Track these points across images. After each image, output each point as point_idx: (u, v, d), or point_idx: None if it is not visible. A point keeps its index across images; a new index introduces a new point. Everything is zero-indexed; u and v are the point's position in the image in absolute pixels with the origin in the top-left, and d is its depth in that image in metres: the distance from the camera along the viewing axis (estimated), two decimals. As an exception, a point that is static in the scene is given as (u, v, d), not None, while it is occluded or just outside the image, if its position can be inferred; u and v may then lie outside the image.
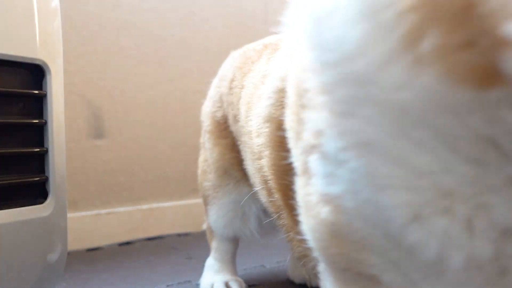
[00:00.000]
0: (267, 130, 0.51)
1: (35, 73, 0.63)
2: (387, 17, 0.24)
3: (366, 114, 0.28)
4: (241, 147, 0.77)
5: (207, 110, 0.92)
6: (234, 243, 0.94)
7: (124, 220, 1.41)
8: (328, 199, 0.35)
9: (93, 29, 1.39)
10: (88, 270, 1.09)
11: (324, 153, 0.34)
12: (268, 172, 0.52)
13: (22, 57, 0.60)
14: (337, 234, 0.36)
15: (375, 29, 0.25)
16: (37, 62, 0.62)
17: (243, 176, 0.81)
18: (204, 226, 1.00)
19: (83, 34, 1.37)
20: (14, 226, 0.58)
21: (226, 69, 0.89)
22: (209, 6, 1.62)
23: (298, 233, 0.48)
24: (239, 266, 1.08)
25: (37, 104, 0.63)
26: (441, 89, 0.24)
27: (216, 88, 0.91)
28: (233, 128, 0.81)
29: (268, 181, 0.55)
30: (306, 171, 0.38)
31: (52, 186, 0.64)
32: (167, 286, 0.95)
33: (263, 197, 0.65)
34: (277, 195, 0.53)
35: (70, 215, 1.32)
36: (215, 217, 0.90)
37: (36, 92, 0.63)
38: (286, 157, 0.44)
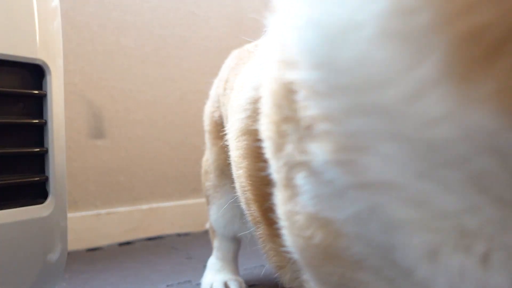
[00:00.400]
0: (244, 142, 0.49)
1: (35, 73, 0.63)
2: (429, 36, 0.20)
3: (386, 151, 0.24)
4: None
5: (207, 110, 0.93)
6: (235, 242, 0.94)
7: (124, 220, 1.41)
8: (323, 223, 0.31)
9: (93, 29, 1.39)
10: (88, 270, 1.09)
11: (316, 173, 0.30)
12: (245, 183, 0.51)
13: (22, 57, 0.60)
14: (331, 255, 0.33)
15: (411, 50, 0.21)
16: (37, 62, 0.62)
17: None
18: (207, 226, 1.01)
19: (83, 34, 1.37)
20: (14, 226, 0.58)
21: (223, 69, 0.90)
22: (209, 6, 1.62)
23: (277, 245, 0.46)
24: (239, 266, 1.08)
25: (37, 104, 0.63)
26: (494, 129, 0.21)
27: (215, 89, 0.92)
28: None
29: (245, 192, 0.53)
30: (289, 186, 0.34)
31: (52, 186, 0.64)
32: (167, 286, 0.95)
33: (243, 205, 0.64)
34: (253, 207, 0.51)
35: (70, 215, 1.32)
36: (215, 217, 0.92)
37: (36, 92, 0.63)
38: (263, 168, 0.41)
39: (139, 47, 1.47)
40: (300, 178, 0.32)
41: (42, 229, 0.62)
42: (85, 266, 1.13)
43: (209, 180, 0.92)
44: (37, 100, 0.63)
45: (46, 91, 0.63)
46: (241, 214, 0.85)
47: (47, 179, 0.64)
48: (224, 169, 0.85)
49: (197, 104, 1.59)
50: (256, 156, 0.46)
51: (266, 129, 0.36)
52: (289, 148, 0.32)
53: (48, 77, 0.63)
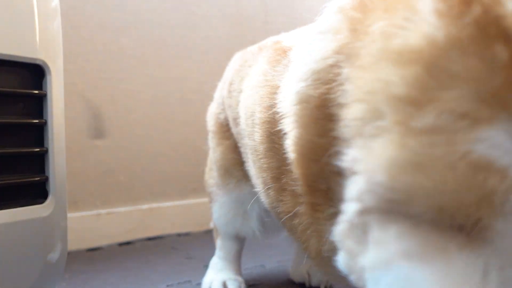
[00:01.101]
0: (303, 111, 0.48)
1: (35, 73, 0.63)
2: None
3: None
4: (242, 149, 0.77)
5: (212, 111, 0.95)
6: (238, 241, 0.94)
7: (124, 220, 1.41)
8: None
9: (93, 29, 1.39)
10: (88, 270, 1.09)
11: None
12: (292, 153, 0.50)
13: (22, 57, 0.60)
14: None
15: None
16: (37, 62, 0.62)
17: (244, 176, 0.82)
18: (211, 225, 1.02)
19: (83, 34, 1.37)
20: (14, 226, 0.58)
21: (227, 71, 0.90)
22: (209, 6, 1.62)
23: (322, 230, 0.48)
24: (239, 266, 1.08)
25: (37, 104, 0.63)
26: None
27: (219, 90, 0.92)
28: (233, 130, 0.81)
29: (285, 169, 0.53)
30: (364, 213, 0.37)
31: (52, 186, 0.64)
32: (167, 286, 0.95)
33: (267, 198, 0.64)
34: (300, 181, 0.50)
35: (70, 215, 1.32)
36: (217, 215, 0.92)
37: (36, 92, 0.63)
38: (323, 137, 0.43)
39: (139, 47, 1.47)
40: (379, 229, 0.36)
41: (42, 229, 0.62)
42: (85, 266, 1.13)
43: (212, 177, 0.94)
44: (37, 100, 0.63)
45: (46, 91, 0.63)
46: (244, 213, 0.87)
47: (47, 179, 0.64)
48: (228, 168, 0.87)
49: (197, 104, 1.59)
50: (314, 125, 0.46)
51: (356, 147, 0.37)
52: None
53: (48, 77, 0.63)
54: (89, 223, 1.34)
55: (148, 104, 1.48)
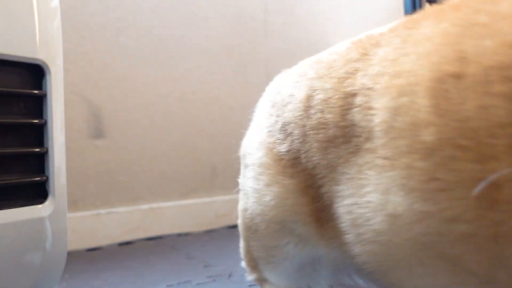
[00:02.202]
0: None
1: (35, 73, 0.63)
2: None
3: None
4: (344, 186, 0.50)
5: (259, 140, 0.67)
6: None
7: (124, 220, 1.41)
8: None
9: (93, 29, 1.39)
10: (88, 270, 1.09)
11: None
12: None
13: (22, 57, 0.60)
14: None
15: None
16: (37, 62, 0.62)
17: (313, 233, 0.57)
18: (243, 264, 0.78)
19: (83, 34, 1.37)
20: (13, 226, 0.58)
21: (287, 90, 0.64)
22: (209, 6, 1.62)
23: None
24: (239, 266, 1.08)
25: (37, 104, 0.63)
26: None
27: (273, 117, 0.65)
28: (321, 161, 0.54)
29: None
30: None
31: (52, 186, 0.64)
32: (167, 286, 0.95)
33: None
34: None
35: (70, 215, 1.32)
36: (276, 281, 0.69)
37: (36, 92, 0.63)
38: None
39: (139, 47, 1.47)
40: None
41: (42, 229, 0.62)
42: (85, 266, 1.13)
43: (256, 239, 0.65)
44: (37, 100, 0.63)
45: (46, 91, 0.63)
46: (317, 262, 0.62)
47: (47, 179, 0.64)
48: (286, 221, 0.59)
49: (197, 104, 1.59)
50: None
51: None
52: None
53: (48, 77, 0.63)
54: (89, 223, 1.34)
55: (148, 104, 1.48)
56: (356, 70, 0.52)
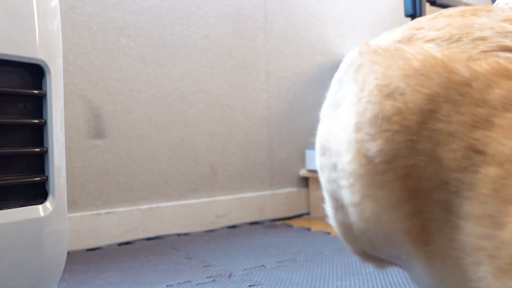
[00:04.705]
0: None
1: (35, 73, 0.63)
2: None
3: None
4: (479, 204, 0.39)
5: (345, 137, 0.50)
6: None
7: (124, 220, 1.41)
8: None
9: (93, 29, 1.39)
10: (88, 270, 1.09)
11: None
12: None
13: (22, 57, 0.60)
14: None
15: None
16: (37, 62, 0.62)
17: (413, 252, 0.47)
18: None
19: (83, 34, 1.37)
20: (13, 226, 0.58)
21: (392, 78, 0.49)
22: (209, 6, 1.62)
23: None
24: (239, 266, 1.08)
25: (37, 104, 0.63)
26: None
27: (362, 102, 0.49)
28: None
29: None
30: None
31: (52, 186, 0.64)
32: (167, 286, 0.95)
33: None
34: None
35: (70, 215, 1.32)
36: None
37: (36, 92, 0.63)
38: None
39: (139, 47, 1.47)
40: None
41: (42, 229, 0.62)
42: (85, 266, 1.13)
43: (376, 251, 0.53)
44: (37, 100, 0.63)
45: (46, 91, 0.63)
46: None
47: (47, 179, 0.64)
48: (390, 237, 0.48)
49: (197, 104, 1.59)
50: None
51: None
52: None
53: (48, 77, 0.63)
54: (88, 223, 1.34)
55: (148, 104, 1.48)
56: None
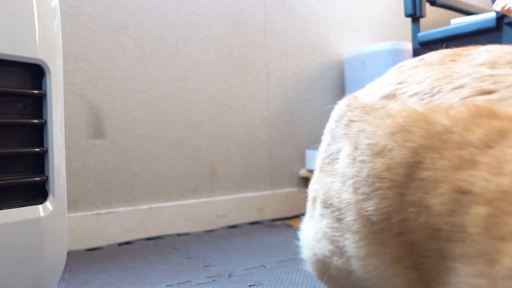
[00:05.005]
0: None
1: (35, 73, 0.63)
2: None
3: None
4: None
5: (346, 196, 0.52)
6: None
7: (124, 220, 1.41)
8: None
9: (93, 29, 1.39)
10: (88, 270, 1.09)
11: None
12: None
13: (22, 57, 0.60)
14: None
15: None
16: (37, 62, 0.62)
17: None
18: None
19: (83, 34, 1.37)
20: (13, 226, 0.58)
21: (379, 135, 0.49)
22: (209, 6, 1.62)
23: None
24: (239, 266, 1.08)
25: (37, 104, 0.63)
26: None
27: (357, 162, 0.51)
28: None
29: None
30: None
31: (52, 186, 0.64)
32: (167, 286, 0.95)
33: None
34: None
35: (70, 215, 1.32)
36: None
37: (36, 92, 0.63)
38: None
39: (139, 47, 1.47)
40: None
41: (42, 229, 0.62)
42: (85, 266, 1.13)
43: None
44: (37, 100, 0.63)
45: (46, 91, 0.63)
46: None
47: (47, 179, 0.64)
48: None
49: (197, 104, 1.59)
50: None
51: None
52: None
53: (48, 77, 0.63)
54: (88, 223, 1.34)
55: (148, 104, 1.48)
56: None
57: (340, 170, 0.54)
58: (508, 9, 1.20)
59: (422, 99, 0.47)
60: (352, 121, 0.54)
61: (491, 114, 0.40)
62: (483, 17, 1.29)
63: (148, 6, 1.49)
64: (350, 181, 0.51)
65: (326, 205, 0.58)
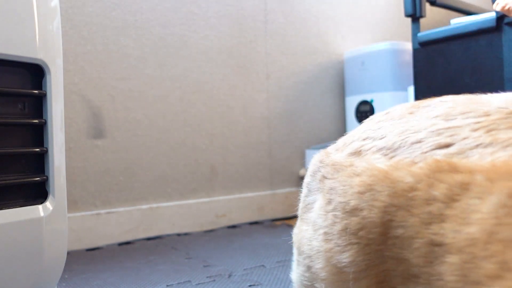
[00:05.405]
0: None
1: (35, 73, 0.63)
2: None
3: None
4: None
5: (316, 244, 0.54)
6: None
7: (124, 220, 1.41)
8: None
9: (93, 29, 1.39)
10: (88, 270, 1.09)
11: None
12: None
13: (22, 57, 0.60)
14: None
15: None
16: (37, 62, 0.62)
17: None
18: None
19: (83, 34, 1.37)
20: (14, 226, 0.58)
21: (351, 188, 0.51)
22: (209, 6, 1.62)
23: None
24: (239, 266, 1.08)
25: (37, 104, 0.63)
26: None
27: (330, 215, 0.53)
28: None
29: None
30: None
31: (52, 186, 0.64)
32: (167, 286, 0.95)
33: None
34: None
35: (70, 215, 1.32)
36: None
37: (36, 92, 0.63)
38: None
39: (139, 47, 1.47)
40: None
41: (42, 229, 0.62)
42: (85, 266, 1.13)
43: None
44: (37, 100, 0.63)
45: (46, 91, 0.63)
46: None
47: (47, 179, 0.64)
48: None
49: (197, 104, 1.59)
50: None
51: None
52: None
53: (48, 77, 0.63)
54: (88, 223, 1.34)
55: (148, 104, 1.48)
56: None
57: (313, 219, 0.56)
58: (508, 9, 1.20)
59: (386, 155, 0.49)
60: (325, 177, 0.56)
61: (452, 169, 0.42)
62: (483, 17, 1.29)
63: (148, 6, 1.49)
64: (321, 230, 0.53)
65: (299, 251, 0.60)
